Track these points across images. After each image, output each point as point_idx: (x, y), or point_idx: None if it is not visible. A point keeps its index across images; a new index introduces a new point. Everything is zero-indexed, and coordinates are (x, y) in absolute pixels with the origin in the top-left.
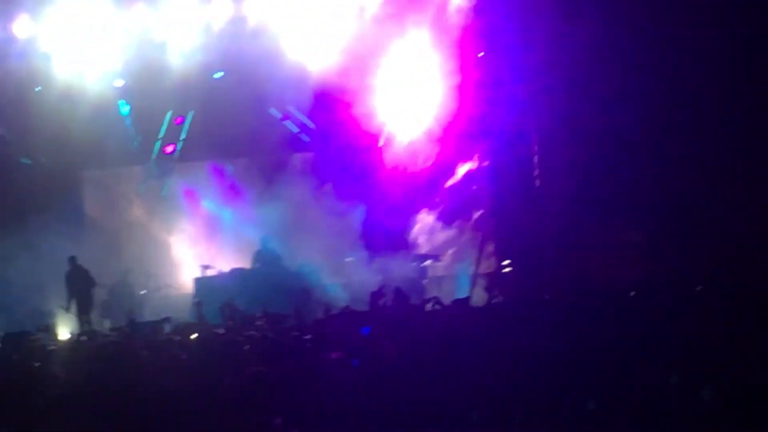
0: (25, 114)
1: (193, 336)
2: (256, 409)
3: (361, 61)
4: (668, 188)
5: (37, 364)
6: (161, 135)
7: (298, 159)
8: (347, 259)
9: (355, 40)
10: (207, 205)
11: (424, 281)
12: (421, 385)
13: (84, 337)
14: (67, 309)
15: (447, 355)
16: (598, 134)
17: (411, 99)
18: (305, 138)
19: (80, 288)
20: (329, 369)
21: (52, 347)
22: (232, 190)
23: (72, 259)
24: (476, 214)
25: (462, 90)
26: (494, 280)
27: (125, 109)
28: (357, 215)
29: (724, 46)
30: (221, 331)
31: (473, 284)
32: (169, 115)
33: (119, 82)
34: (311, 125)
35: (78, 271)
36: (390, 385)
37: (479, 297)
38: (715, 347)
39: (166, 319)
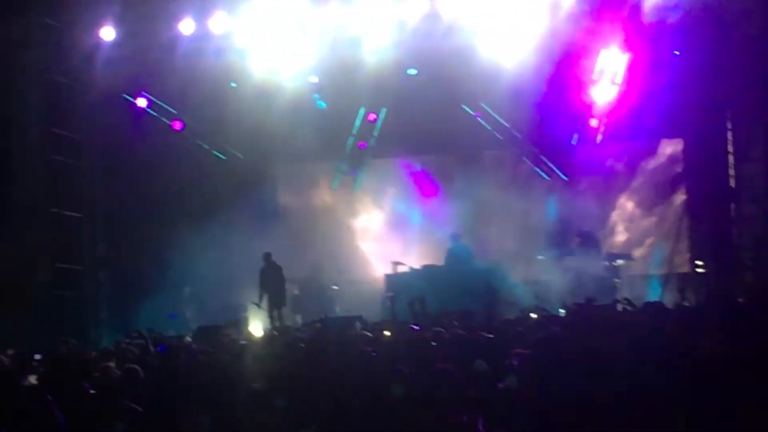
0: (221, 109)
1: (387, 333)
2: (443, 407)
3: (554, 59)
4: None
5: (228, 358)
6: (354, 131)
7: (490, 156)
8: (538, 258)
9: (548, 37)
10: (397, 201)
11: (616, 281)
12: (607, 387)
13: (275, 333)
14: (259, 305)
15: (634, 357)
16: None
17: (605, 96)
18: (498, 135)
19: (273, 284)
20: (515, 367)
21: (244, 342)
22: (422, 187)
23: (267, 256)
24: (670, 213)
25: (657, 87)
26: (687, 281)
27: (321, 104)
28: (548, 212)
29: None
30: (415, 327)
31: (665, 285)
32: (362, 111)
33: (314, 78)
34: (504, 122)
35: (272, 268)
36: (575, 386)
37: (671, 298)
38: None
39: (358, 317)
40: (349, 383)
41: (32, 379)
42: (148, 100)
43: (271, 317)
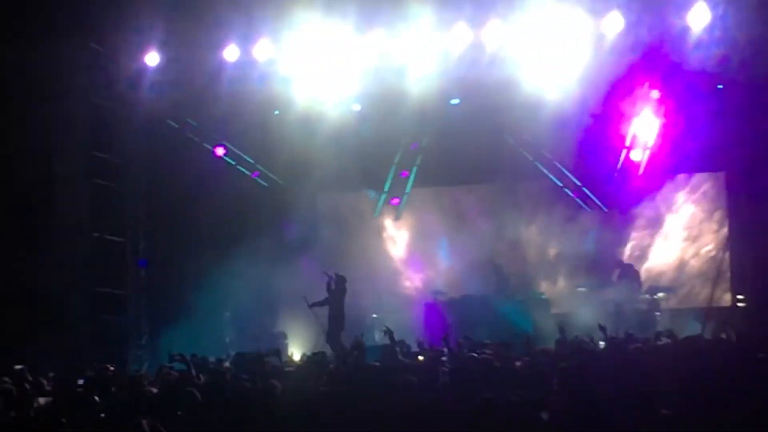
0: (264, 136)
1: (420, 358)
2: None
3: (597, 90)
4: None
5: (270, 383)
6: (396, 160)
7: (531, 188)
8: (579, 289)
9: (592, 69)
10: (437, 231)
11: (657, 314)
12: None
13: (315, 358)
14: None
15: (672, 389)
16: None
17: (648, 129)
18: (540, 166)
19: (338, 307)
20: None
21: (285, 368)
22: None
23: (341, 279)
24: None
25: (699, 120)
26: (728, 315)
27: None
28: (588, 244)
29: None
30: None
31: (706, 318)
32: (405, 140)
33: (356, 107)
34: (546, 153)
35: (341, 291)
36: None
37: (711, 332)
38: None
39: (401, 342)
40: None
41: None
42: (191, 126)
43: (333, 339)
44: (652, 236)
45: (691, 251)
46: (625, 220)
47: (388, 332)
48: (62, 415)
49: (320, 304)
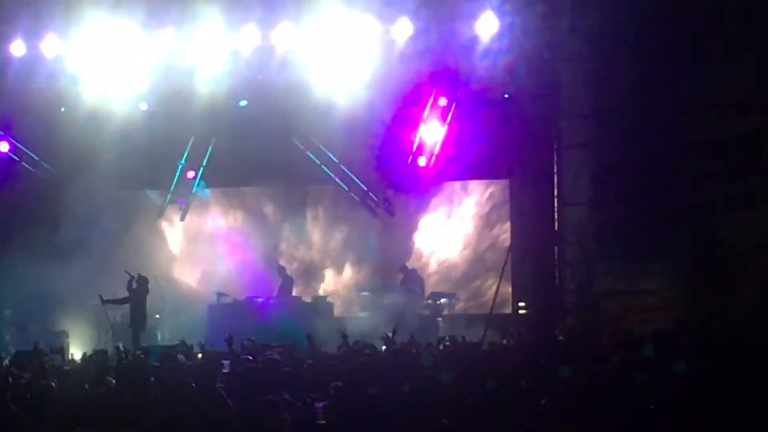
0: (51, 133)
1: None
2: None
3: (386, 96)
4: None
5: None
6: (183, 160)
7: (316, 190)
8: (362, 293)
9: (382, 75)
10: (224, 230)
11: (439, 319)
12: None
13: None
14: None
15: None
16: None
17: (434, 135)
18: (326, 170)
19: (139, 306)
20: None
21: (65, 367)
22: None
23: (142, 279)
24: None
25: (486, 127)
26: (509, 322)
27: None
28: (372, 248)
29: None
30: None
31: (487, 325)
32: (191, 140)
33: (144, 106)
34: (334, 157)
35: (142, 291)
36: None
37: (492, 338)
38: None
39: (181, 343)
40: (170, 410)
41: None
42: None
43: (135, 339)
44: (435, 242)
45: (472, 257)
46: (411, 225)
47: (309, 338)
48: None
49: (118, 302)
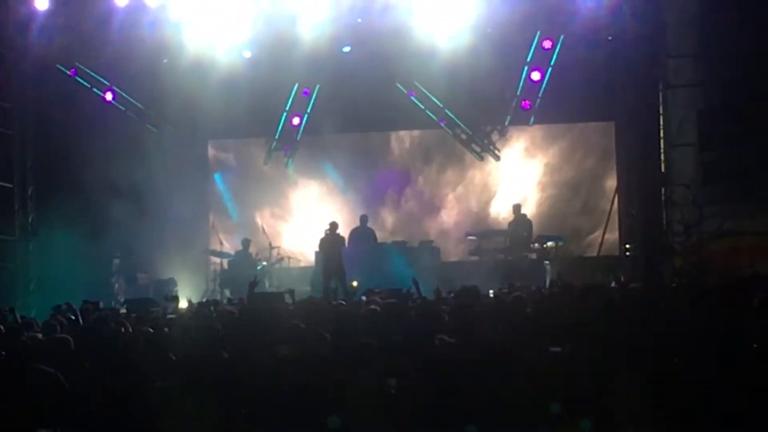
0: (155, 82)
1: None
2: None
3: (490, 39)
4: None
5: (152, 330)
6: (287, 107)
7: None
8: (469, 238)
9: (485, 17)
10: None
11: (546, 263)
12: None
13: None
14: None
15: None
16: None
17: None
18: (431, 114)
19: (332, 255)
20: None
21: (171, 315)
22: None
23: (333, 225)
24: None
25: (589, 70)
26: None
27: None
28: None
29: None
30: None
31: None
32: (295, 87)
33: (247, 53)
34: (438, 102)
35: (334, 238)
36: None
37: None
38: None
39: (290, 291)
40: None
41: None
42: (81, 71)
43: (326, 288)
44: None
45: (577, 203)
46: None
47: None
48: None
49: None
